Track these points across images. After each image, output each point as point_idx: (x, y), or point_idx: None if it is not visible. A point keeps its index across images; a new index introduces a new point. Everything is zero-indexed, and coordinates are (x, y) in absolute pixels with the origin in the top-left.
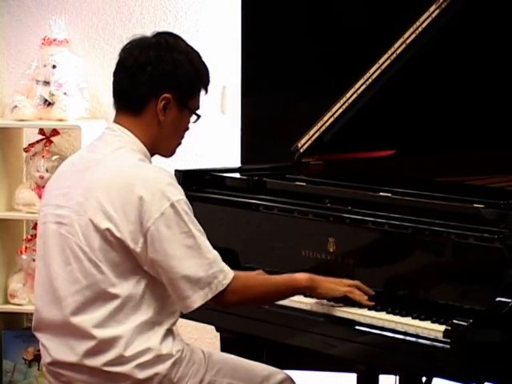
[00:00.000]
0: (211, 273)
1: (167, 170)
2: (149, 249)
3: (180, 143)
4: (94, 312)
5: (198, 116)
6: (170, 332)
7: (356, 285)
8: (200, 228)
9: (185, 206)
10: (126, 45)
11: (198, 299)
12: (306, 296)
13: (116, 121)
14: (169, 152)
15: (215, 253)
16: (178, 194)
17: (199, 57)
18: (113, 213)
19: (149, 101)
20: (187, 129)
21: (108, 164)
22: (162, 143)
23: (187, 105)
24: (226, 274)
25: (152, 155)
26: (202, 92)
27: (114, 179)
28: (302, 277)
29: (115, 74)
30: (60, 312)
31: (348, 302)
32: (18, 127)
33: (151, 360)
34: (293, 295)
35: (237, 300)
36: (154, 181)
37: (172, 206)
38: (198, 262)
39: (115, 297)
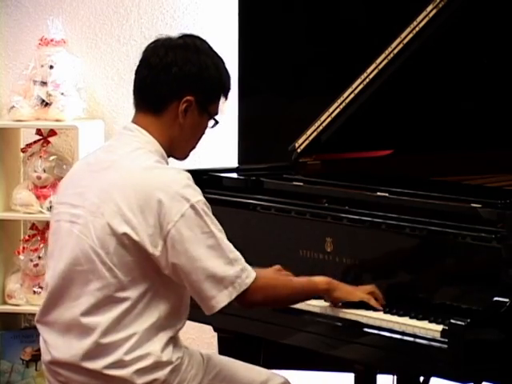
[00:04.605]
0: (234, 271)
1: (185, 172)
2: (169, 253)
3: (195, 147)
4: (104, 314)
5: (217, 122)
6: (172, 339)
7: (372, 291)
8: (220, 227)
9: (204, 207)
10: (151, 43)
11: (223, 298)
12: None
13: (134, 120)
14: (183, 155)
15: (237, 252)
16: (196, 194)
17: (223, 62)
18: (131, 216)
19: (171, 102)
20: (204, 133)
21: (124, 165)
22: (179, 146)
23: (207, 109)
24: (249, 273)
25: (168, 157)
26: (222, 99)
27: (132, 182)
28: (321, 280)
29: (138, 71)
30: (70, 310)
31: (360, 306)
32: (16, 127)
33: (150, 366)
34: (311, 297)
35: (260, 299)
36: (172, 183)
37: (192, 207)
38: (220, 261)
39: (125, 300)
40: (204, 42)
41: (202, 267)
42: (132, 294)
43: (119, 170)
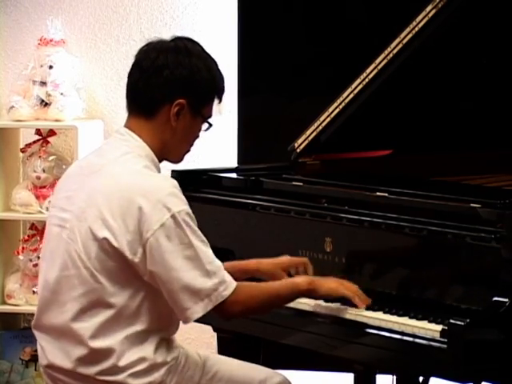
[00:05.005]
0: (211, 284)
1: (171, 179)
2: (148, 261)
3: (189, 150)
4: (90, 320)
5: (210, 124)
6: (164, 340)
7: (355, 291)
8: (203, 238)
9: (186, 217)
10: (143, 46)
11: (198, 310)
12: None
13: (126, 124)
14: (177, 158)
15: (217, 263)
16: (179, 204)
17: (216, 64)
18: (112, 222)
19: (162, 105)
20: (198, 136)
21: (111, 170)
22: (172, 149)
23: (200, 112)
24: (228, 285)
25: (160, 161)
26: (216, 101)
27: (116, 187)
28: (301, 280)
29: (130, 74)
30: (59, 316)
31: (344, 300)
32: (15, 127)
33: (145, 369)
34: (294, 299)
35: (240, 310)
36: (155, 190)
37: (173, 216)
38: (197, 273)
39: (111, 306)
40: (196, 44)
41: (178, 278)
42: (118, 299)
43: (106, 175)
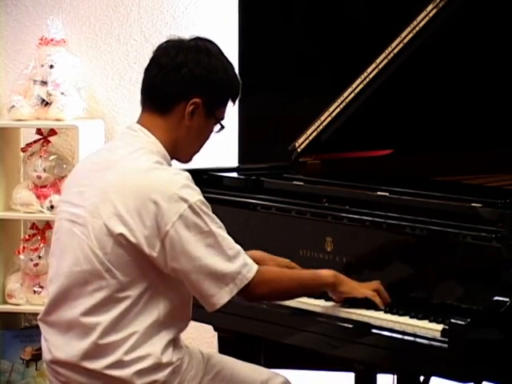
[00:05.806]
0: (235, 268)
1: (183, 172)
2: (168, 255)
3: (198, 151)
4: (103, 315)
5: (222, 126)
6: (173, 340)
7: (377, 288)
8: (220, 224)
9: (202, 206)
10: (163, 43)
11: (224, 295)
12: (308, 296)
13: (139, 120)
14: (187, 158)
15: (238, 248)
16: (195, 194)
17: (233, 67)
18: (128, 218)
19: (178, 102)
20: (208, 138)
21: (124, 166)
22: (182, 148)
23: (214, 113)
24: (250, 268)
25: (171, 159)
26: (230, 104)
27: (129, 183)
28: (327, 273)
29: (147, 70)
30: (70, 311)
31: (362, 304)
32: (16, 127)
33: (150, 367)
34: (317, 291)
35: (265, 292)
36: (170, 185)
37: (190, 207)
38: (220, 259)
39: (124, 300)
40: (215, 45)
41: (201, 266)
42: (132, 293)
43: (118, 171)
